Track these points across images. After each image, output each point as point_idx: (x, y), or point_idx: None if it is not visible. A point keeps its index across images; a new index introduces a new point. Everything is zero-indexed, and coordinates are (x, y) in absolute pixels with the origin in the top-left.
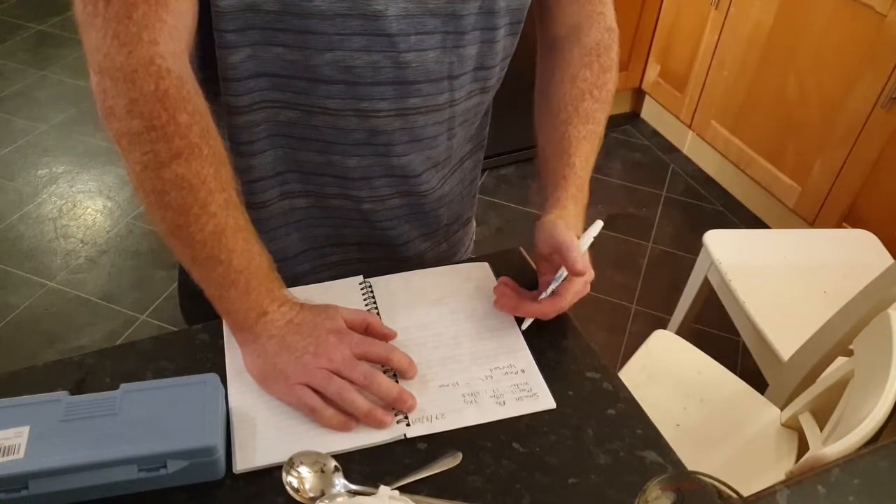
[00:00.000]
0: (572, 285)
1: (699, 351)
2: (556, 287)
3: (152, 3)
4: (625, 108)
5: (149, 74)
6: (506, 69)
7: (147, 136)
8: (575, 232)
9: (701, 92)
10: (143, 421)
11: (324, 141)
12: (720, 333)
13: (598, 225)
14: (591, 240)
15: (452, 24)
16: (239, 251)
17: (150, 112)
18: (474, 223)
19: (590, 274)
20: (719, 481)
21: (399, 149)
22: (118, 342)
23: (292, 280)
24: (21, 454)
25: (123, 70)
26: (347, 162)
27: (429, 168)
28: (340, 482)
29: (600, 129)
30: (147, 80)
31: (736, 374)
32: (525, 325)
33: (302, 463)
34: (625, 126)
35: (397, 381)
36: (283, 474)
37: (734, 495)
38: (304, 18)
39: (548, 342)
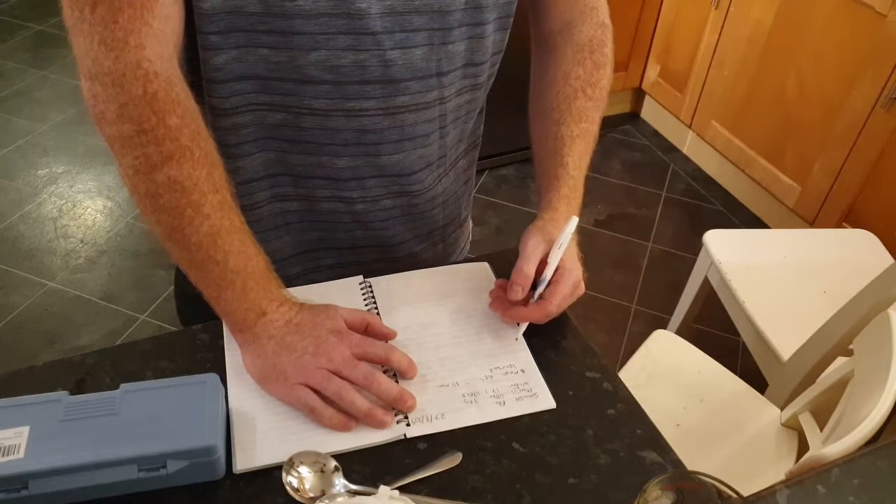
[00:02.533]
0: (558, 289)
1: (699, 351)
2: (543, 291)
3: (137, 8)
4: (625, 107)
5: (136, 78)
6: (497, 65)
7: (138, 139)
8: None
9: (701, 92)
10: (143, 421)
11: (313, 142)
12: (720, 333)
13: (573, 222)
14: (569, 237)
15: (439, 21)
16: (235, 252)
17: (140, 116)
18: (470, 223)
19: (573, 275)
20: (719, 481)
21: (389, 148)
22: (118, 342)
23: (284, 282)
24: (21, 454)
25: (112, 75)
26: (337, 163)
27: (422, 168)
28: (340, 482)
29: (594, 127)
30: (135, 84)
31: (736, 374)
32: (519, 333)
33: (302, 463)
34: (625, 126)
35: (397, 381)
36: (283, 474)
37: (734, 495)
38: (288, 19)
39: (548, 342)
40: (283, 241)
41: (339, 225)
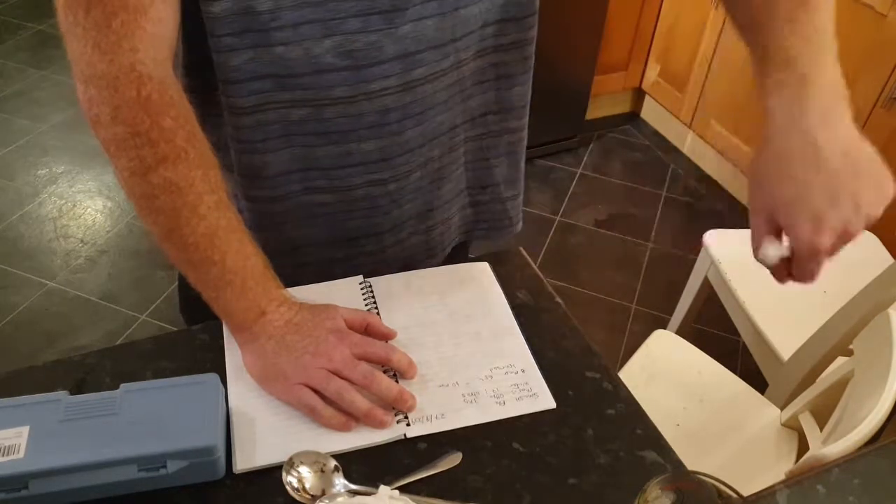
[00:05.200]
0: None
1: (699, 351)
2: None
3: (131, 12)
4: (625, 107)
5: (130, 81)
6: (533, 29)
7: (132, 141)
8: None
9: (701, 92)
10: (143, 421)
11: (338, 132)
12: (720, 333)
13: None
14: (785, 252)
15: None
16: (232, 252)
17: (134, 118)
18: (521, 198)
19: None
20: (719, 481)
21: (412, 122)
22: (118, 342)
23: (326, 263)
24: (21, 454)
25: (105, 78)
26: (364, 146)
27: (444, 132)
28: (340, 482)
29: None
30: (129, 86)
31: (736, 374)
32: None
33: (302, 463)
34: (625, 126)
35: (397, 381)
36: (283, 474)
37: (734, 495)
38: (298, 9)
39: (548, 342)
40: (319, 227)
41: (377, 210)
